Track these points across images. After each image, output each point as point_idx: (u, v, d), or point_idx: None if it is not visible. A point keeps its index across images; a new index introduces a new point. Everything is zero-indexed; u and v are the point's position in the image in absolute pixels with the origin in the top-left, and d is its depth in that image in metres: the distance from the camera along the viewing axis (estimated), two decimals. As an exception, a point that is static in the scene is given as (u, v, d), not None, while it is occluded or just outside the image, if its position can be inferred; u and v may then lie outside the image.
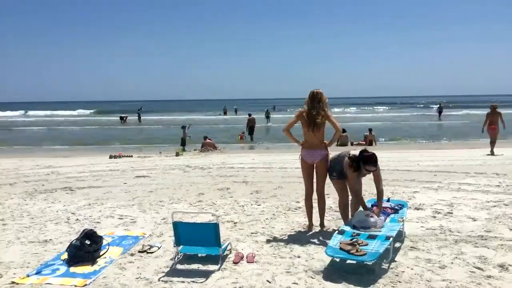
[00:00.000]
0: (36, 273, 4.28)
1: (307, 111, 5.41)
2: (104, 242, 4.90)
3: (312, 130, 5.37)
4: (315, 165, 5.46)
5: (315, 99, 5.35)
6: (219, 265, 4.37)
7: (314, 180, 5.57)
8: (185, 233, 4.43)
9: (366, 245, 4.26)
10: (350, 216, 5.35)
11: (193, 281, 4.06)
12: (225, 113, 54.68)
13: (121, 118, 43.69)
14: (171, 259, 4.57)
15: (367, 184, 8.52)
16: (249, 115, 24.71)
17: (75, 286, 4.02)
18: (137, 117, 43.57)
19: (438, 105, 37.51)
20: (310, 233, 5.43)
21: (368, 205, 5.53)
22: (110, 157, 14.77)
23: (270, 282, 3.99)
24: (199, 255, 4.62)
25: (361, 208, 5.44)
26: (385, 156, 13.14)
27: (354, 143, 18.78)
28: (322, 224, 5.59)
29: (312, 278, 4.07)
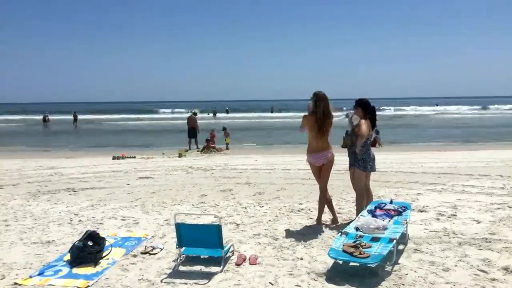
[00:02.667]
0: (39, 274, 4.28)
1: (317, 115, 5.52)
2: (107, 243, 4.91)
3: (319, 133, 5.56)
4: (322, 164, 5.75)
5: (324, 102, 5.51)
6: (221, 266, 4.36)
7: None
8: (187, 234, 4.42)
9: (369, 247, 4.23)
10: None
11: (195, 283, 4.05)
12: (214, 114, 54.87)
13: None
14: (174, 261, 4.57)
15: (372, 186, 8.50)
16: (194, 114, 19.88)
17: (78, 287, 4.02)
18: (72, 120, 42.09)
19: None
20: (313, 234, 5.41)
21: (371, 207, 5.51)
22: (113, 158, 14.79)
23: (272, 284, 3.98)
24: (202, 256, 4.61)
25: (365, 210, 5.43)
26: (389, 157, 13.12)
27: None
28: (335, 219, 5.94)
29: (315, 280, 4.06)
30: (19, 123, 45.94)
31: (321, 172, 5.77)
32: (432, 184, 8.50)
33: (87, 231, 4.87)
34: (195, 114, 19.86)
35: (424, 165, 11.21)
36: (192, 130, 18.70)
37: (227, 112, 59.45)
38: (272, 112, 62.03)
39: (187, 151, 17.31)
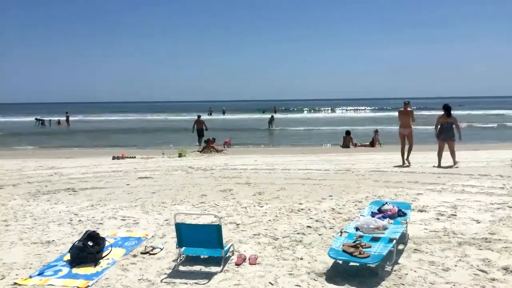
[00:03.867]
0: (39, 274, 4.29)
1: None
2: (107, 243, 4.90)
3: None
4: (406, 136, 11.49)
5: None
6: (221, 266, 4.36)
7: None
8: (187, 234, 4.42)
9: (369, 247, 4.24)
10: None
11: (195, 283, 4.05)
12: (210, 114, 54.77)
13: None
14: (174, 261, 4.57)
15: (372, 186, 8.52)
16: (198, 116, 21.36)
17: (78, 287, 4.02)
18: (65, 120, 41.55)
19: None
20: (313, 234, 5.40)
21: (373, 207, 5.52)
22: (113, 158, 14.78)
23: (272, 284, 3.98)
24: (202, 256, 4.61)
25: (365, 210, 5.44)
26: (389, 157, 13.12)
27: (358, 144, 18.77)
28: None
29: (315, 280, 4.06)
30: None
31: (406, 138, 11.47)
32: (432, 184, 8.50)
33: (87, 231, 4.87)
34: (199, 116, 21.52)
35: (424, 165, 11.21)
36: (200, 131, 20.49)
37: (224, 113, 59.16)
38: (275, 112, 61.73)
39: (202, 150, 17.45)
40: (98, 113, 64.97)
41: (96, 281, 4.13)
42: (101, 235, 4.95)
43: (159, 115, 59.63)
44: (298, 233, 5.46)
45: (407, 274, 4.14)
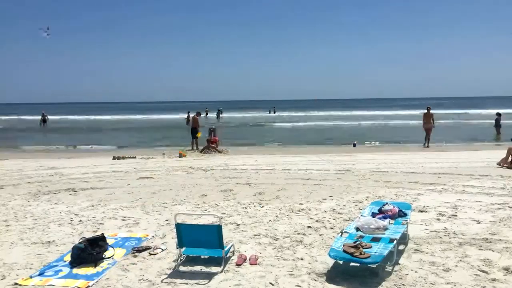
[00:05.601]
0: (39, 274, 4.29)
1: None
2: (110, 250, 4.89)
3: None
4: None
5: None
6: (222, 267, 4.36)
7: None
8: (188, 234, 4.42)
9: (370, 247, 4.23)
10: None
11: (196, 283, 4.05)
12: (206, 114, 54.59)
13: None
14: (174, 261, 4.57)
15: (372, 186, 8.51)
16: (196, 113, 19.09)
17: (78, 287, 4.02)
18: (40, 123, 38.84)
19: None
20: (313, 234, 5.40)
21: (373, 207, 5.51)
22: (114, 158, 14.78)
23: (273, 285, 3.98)
24: (202, 257, 4.61)
25: (365, 210, 5.44)
26: (389, 158, 13.12)
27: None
28: None
29: (315, 280, 4.06)
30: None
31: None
32: (433, 184, 8.50)
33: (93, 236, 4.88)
34: (199, 114, 19.32)
35: (424, 165, 11.20)
36: (194, 130, 18.37)
37: (221, 112, 58.87)
38: (274, 112, 61.36)
39: (193, 150, 17.24)
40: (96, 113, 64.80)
41: (97, 281, 4.13)
42: (105, 237, 4.95)
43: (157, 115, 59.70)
44: (298, 234, 5.47)
45: (407, 274, 4.14)
